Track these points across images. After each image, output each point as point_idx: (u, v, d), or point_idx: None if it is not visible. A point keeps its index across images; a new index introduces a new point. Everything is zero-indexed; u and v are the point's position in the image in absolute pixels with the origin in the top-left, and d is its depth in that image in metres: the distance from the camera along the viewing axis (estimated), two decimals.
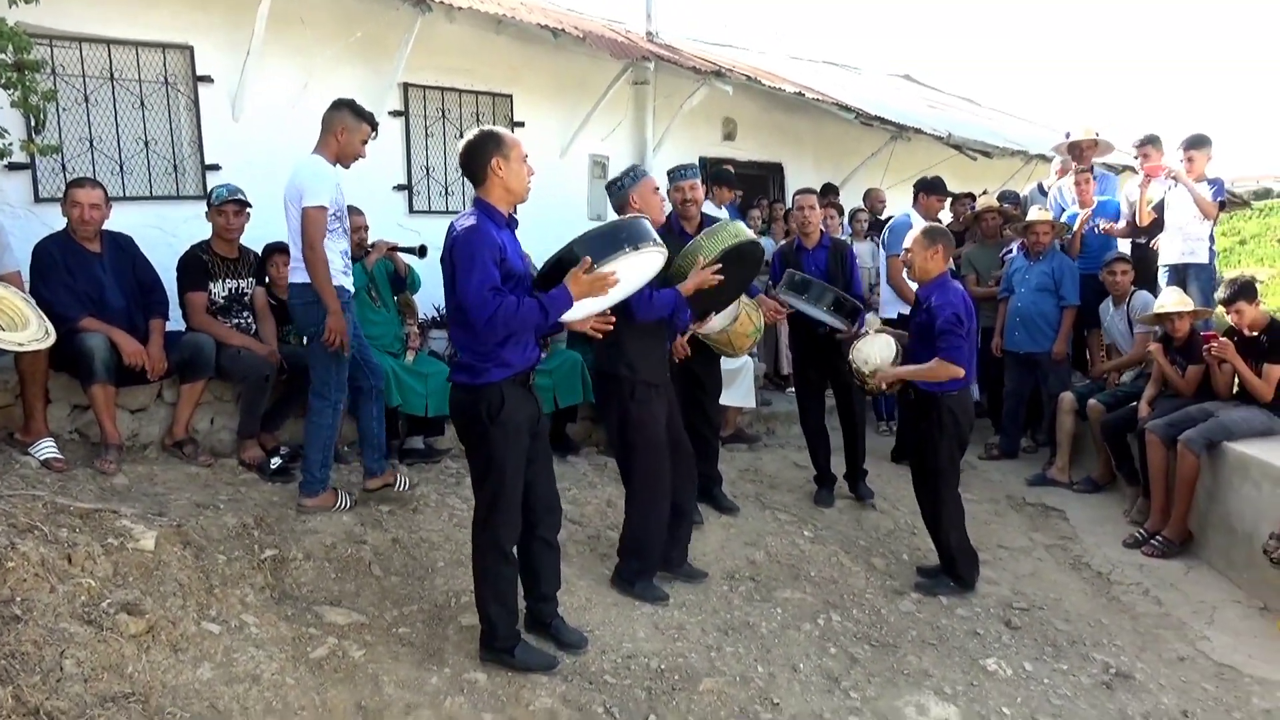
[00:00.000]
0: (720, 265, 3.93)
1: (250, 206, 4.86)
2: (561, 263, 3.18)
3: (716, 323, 4.64)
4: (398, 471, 4.66)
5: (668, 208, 4.54)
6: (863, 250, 7.24)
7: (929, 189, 6.39)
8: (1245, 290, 5.17)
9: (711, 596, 4.28)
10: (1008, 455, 6.71)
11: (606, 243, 3.18)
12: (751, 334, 4.83)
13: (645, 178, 4.20)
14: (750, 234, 4.24)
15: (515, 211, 3.36)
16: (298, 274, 4.14)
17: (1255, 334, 5.09)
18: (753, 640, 3.93)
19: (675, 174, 4.82)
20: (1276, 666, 4.08)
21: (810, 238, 5.54)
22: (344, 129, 4.13)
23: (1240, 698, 3.85)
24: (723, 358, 5.14)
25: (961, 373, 4.30)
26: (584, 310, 3.32)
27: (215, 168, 5.72)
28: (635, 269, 3.32)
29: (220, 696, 2.96)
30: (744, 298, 4.72)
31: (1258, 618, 4.54)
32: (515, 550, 3.43)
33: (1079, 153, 7.10)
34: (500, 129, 3.28)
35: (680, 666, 3.63)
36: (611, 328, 3.48)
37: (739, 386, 6.37)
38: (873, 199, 8.35)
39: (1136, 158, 6.56)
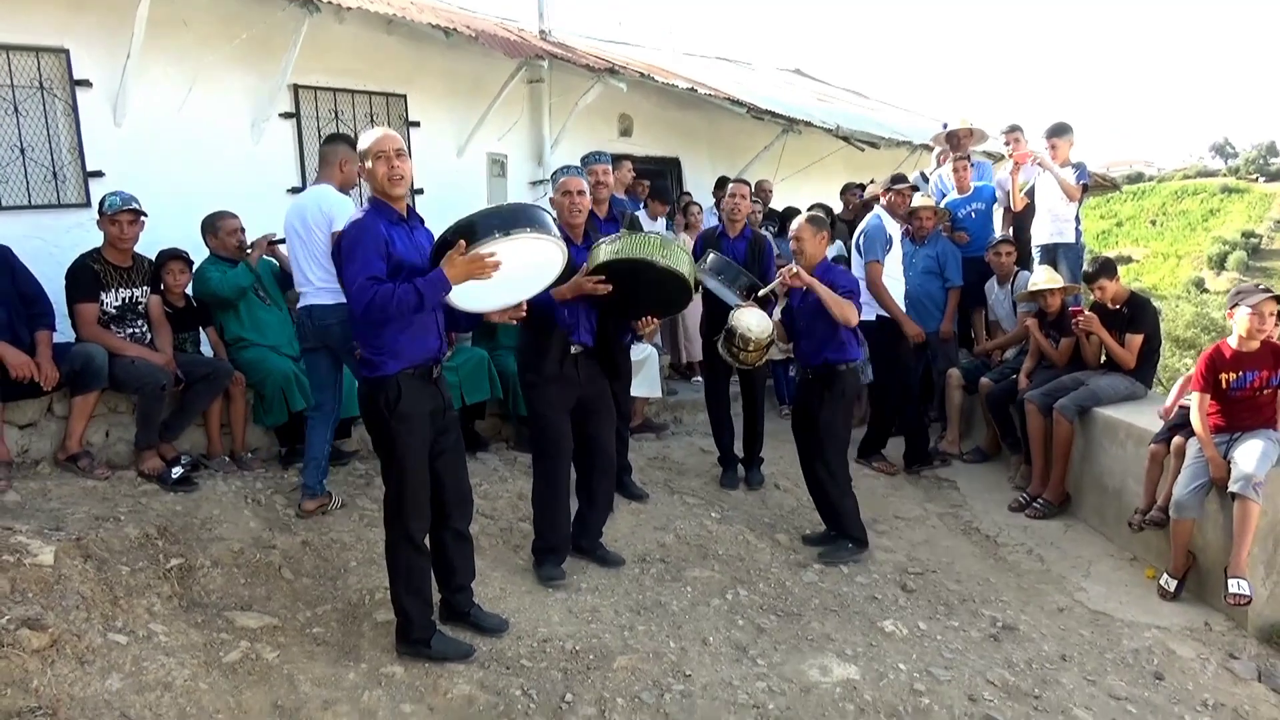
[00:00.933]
0: (607, 278, 3.96)
1: (145, 215, 4.75)
2: (444, 243, 3.23)
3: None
4: (332, 494, 4.68)
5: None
6: None
7: (895, 184, 6.51)
8: (1106, 267, 5.57)
9: (623, 579, 4.40)
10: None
11: (488, 223, 3.21)
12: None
13: (563, 178, 4.32)
14: (667, 261, 4.05)
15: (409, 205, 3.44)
16: (326, 295, 4.32)
17: (1117, 307, 5.48)
18: (664, 618, 4.06)
19: (588, 159, 5.06)
20: (1144, 610, 4.44)
21: (735, 225, 5.66)
22: (345, 160, 4.47)
23: (1112, 640, 4.18)
24: (632, 348, 5.25)
25: (856, 319, 4.64)
26: (489, 299, 3.40)
27: (99, 174, 5.56)
28: (521, 255, 3.28)
29: (131, 705, 2.94)
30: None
31: (1128, 568, 4.91)
32: (427, 542, 3.49)
33: (956, 142, 7.48)
34: (367, 132, 3.36)
35: (595, 647, 3.74)
36: (524, 315, 3.59)
37: (645, 377, 6.50)
38: (763, 191, 8.57)
39: (1006, 144, 6.92)
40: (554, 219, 3.54)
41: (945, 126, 7.65)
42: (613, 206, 5.41)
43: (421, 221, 3.49)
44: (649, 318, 4.47)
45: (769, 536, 5.09)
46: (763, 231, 6.49)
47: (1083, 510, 5.51)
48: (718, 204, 6.06)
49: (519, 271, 3.34)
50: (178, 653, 3.27)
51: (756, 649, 3.88)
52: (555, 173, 4.50)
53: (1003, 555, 5.14)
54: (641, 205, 7.73)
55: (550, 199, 4.41)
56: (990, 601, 4.52)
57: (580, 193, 4.29)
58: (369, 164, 3.27)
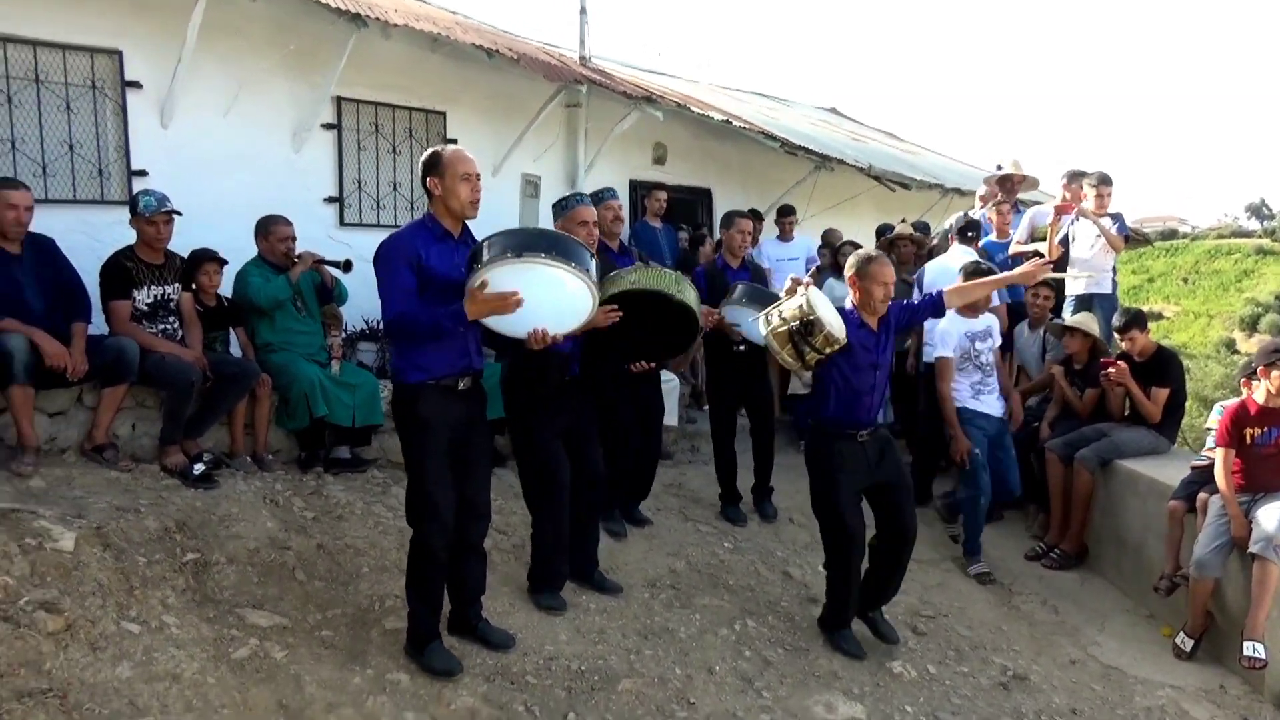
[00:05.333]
0: (619, 309, 3.89)
1: (179, 214, 4.84)
2: (473, 256, 3.26)
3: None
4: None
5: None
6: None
7: (967, 229, 6.72)
8: (1137, 319, 5.55)
9: (632, 603, 4.39)
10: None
11: (510, 244, 3.20)
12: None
13: (576, 207, 4.31)
14: (680, 297, 4.11)
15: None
16: None
17: (1144, 360, 5.45)
18: (671, 644, 4.05)
19: (604, 194, 5.00)
20: (1158, 669, 4.38)
21: (738, 259, 5.72)
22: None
23: (1125, 696, 4.12)
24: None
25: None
26: (521, 325, 3.33)
27: (142, 173, 5.67)
28: (544, 286, 3.23)
29: (140, 694, 2.96)
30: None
31: (1144, 625, 4.85)
32: (444, 552, 3.48)
33: (1009, 186, 7.47)
34: (447, 149, 3.43)
35: (600, 668, 3.73)
36: (554, 341, 3.46)
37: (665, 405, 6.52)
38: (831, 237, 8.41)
39: (1068, 193, 6.79)
40: (589, 251, 3.42)
41: (999, 168, 7.64)
42: (626, 240, 5.44)
43: (473, 239, 3.49)
44: (646, 364, 4.55)
45: (781, 570, 5.07)
46: (759, 261, 6.52)
47: (1100, 563, 5.44)
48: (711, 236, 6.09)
49: (546, 307, 3.30)
50: (188, 646, 3.29)
51: (762, 681, 3.86)
52: (566, 200, 4.40)
53: (1016, 604, 5.09)
54: (675, 231, 7.79)
55: (558, 225, 4.31)
56: (1002, 650, 4.48)
57: (595, 223, 4.33)
58: (452, 182, 3.33)
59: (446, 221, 3.42)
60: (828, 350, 3.93)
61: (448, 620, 3.70)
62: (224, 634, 3.45)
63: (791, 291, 4.07)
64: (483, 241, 3.27)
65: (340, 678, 3.36)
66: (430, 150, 3.44)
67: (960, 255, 6.46)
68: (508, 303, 3.16)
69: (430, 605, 3.52)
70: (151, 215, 4.69)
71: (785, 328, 3.95)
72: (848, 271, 4.22)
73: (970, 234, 6.73)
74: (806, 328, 3.88)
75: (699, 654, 4.00)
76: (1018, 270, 4.47)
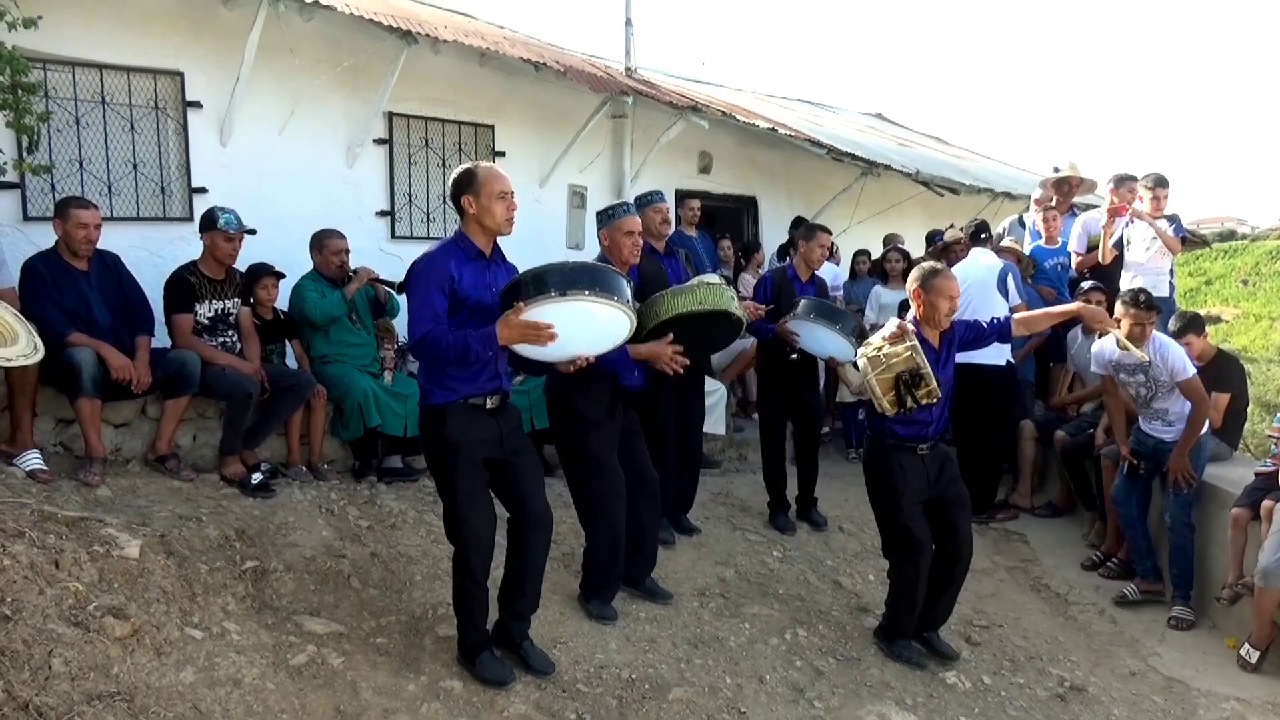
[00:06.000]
0: (675, 334, 4.02)
1: (253, 233, 5.01)
2: (515, 287, 3.17)
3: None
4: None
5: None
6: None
7: (979, 232, 6.63)
8: (1194, 323, 5.42)
9: (682, 612, 4.39)
10: None
11: (553, 281, 3.09)
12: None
13: (624, 217, 4.31)
14: (739, 313, 4.24)
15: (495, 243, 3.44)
16: None
17: (1203, 364, 5.32)
18: (721, 653, 4.05)
19: (654, 197, 5.06)
20: (1222, 680, 4.26)
21: (810, 271, 5.73)
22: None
23: (1188, 709, 4.02)
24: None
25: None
26: (551, 351, 3.26)
27: (203, 191, 5.83)
28: (582, 321, 3.19)
29: (203, 699, 3.04)
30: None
31: (1207, 635, 4.73)
32: (484, 571, 3.44)
33: (1067, 189, 7.32)
34: (480, 166, 3.37)
35: (651, 677, 3.74)
36: (587, 365, 3.45)
37: (711, 414, 6.52)
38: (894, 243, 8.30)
39: (1116, 195, 6.62)
40: (625, 278, 3.35)
41: (1056, 171, 7.49)
42: (672, 242, 5.48)
43: (503, 258, 3.49)
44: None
45: (831, 579, 5.04)
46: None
47: (1160, 572, 5.31)
48: (792, 244, 6.05)
49: (581, 336, 3.26)
50: (248, 651, 3.37)
51: (814, 691, 3.83)
52: (613, 209, 4.39)
53: (1073, 614, 4.99)
54: (713, 239, 7.80)
55: (603, 234, 4.33)
56: (1058, 660, 4.40)
57: (640, 232, 4.35)
58: (489, 201, 3.28)
59: (480, 240, 3.37)
60: (925, 402, 3.94)
61: (494, 631, 3.67)
62: (283, 640, 3.53)
63: (898, 337, 3.96)
64: (521, 277, 3.16)
65: (395, 684, 3.42)
66: (463, 167, 3.37)
67: (980, 258, 6.35)
68: (541, 334, 3.10)
69: (474, 621, 3.51)
70: (232, 232, 4.84)
71: (892, 374, 3.94)
72: (912, 284, 4.12)
73: (983, 235, 6.60)
74: (915, 379, 3.90)
75: (749, 663, 3.99)
76: (1085, 307, 4.46)
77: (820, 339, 5.26)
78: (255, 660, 3.34)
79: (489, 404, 3.39)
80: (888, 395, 3.95)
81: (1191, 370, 4.89)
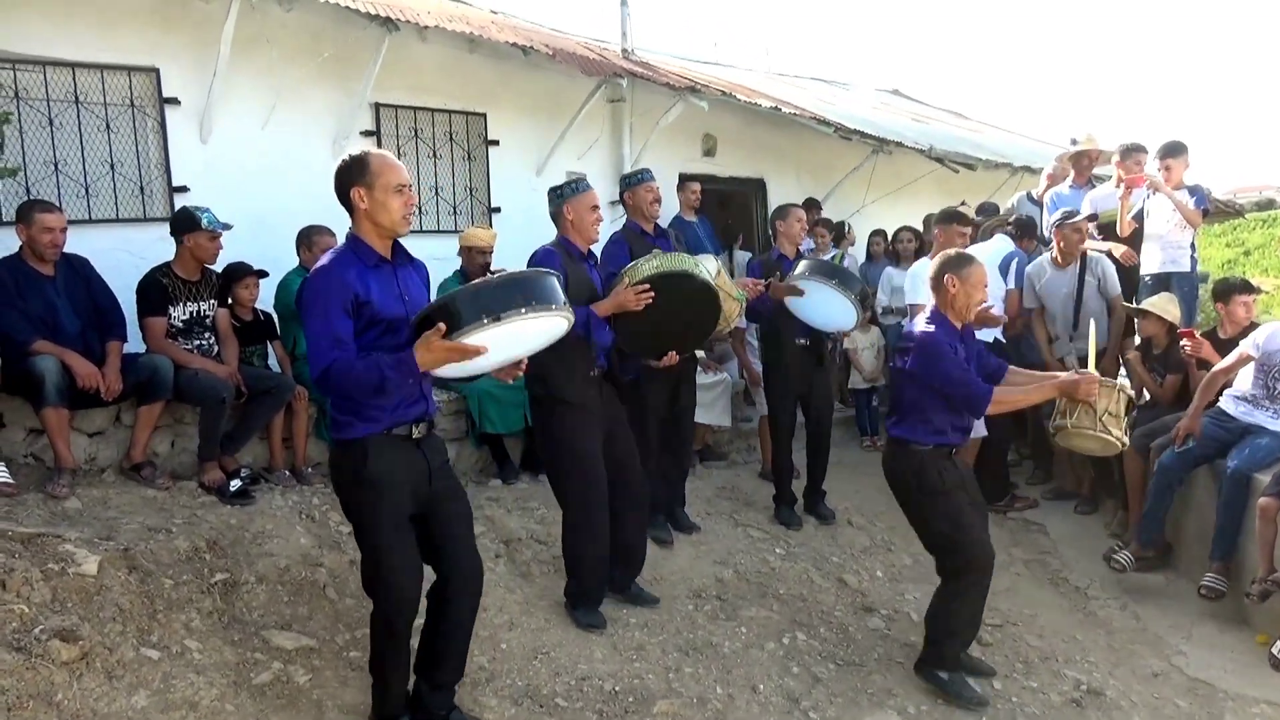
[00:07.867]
0: (650, 290, 3.88)
1: (229, 227, 4.86)
2: (424, 322, 2.71)
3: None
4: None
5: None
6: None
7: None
8: (1244, 286, 5.19)
9: (675, 616, 4.20)
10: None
11: (475, 306, 2.62)
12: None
13: (587, 191, 4.15)
14: (703, 275, 4.05)
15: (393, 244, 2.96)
16: None
17: (1230, 336, 5.02)
18: (713, 660, 3.85)
19: (642, 176, 4.89)
20: (1251, 682, 4.00)
21: (794, 247, 5.59)
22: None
23: (1214, 713, 3.77)
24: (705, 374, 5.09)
25: None
26: (479, 365, 2.80)
27: (184, 189, 5.69)
28: (514, 334, 2.72)
29: None
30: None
31: (1235, 632, 4.45)
32: (407, 629, 3.00)
33: (1085, 163, 7.01)
34: (373, 153, 2.89)
35: (636, 688, 3.56)
36: (521, 372, 3.06)
37: (714, 406, 6.31)
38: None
39: (1122, 167, 6.33)
40: (559, 278, 2.88)
41: (1074, 143, 7.19)
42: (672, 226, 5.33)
43: (408, 258, 3.02)
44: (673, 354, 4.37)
45: (835, 577, 4.82)
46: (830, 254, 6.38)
47: (1185, 564, 5.04)
48: (772, 232, 5.84)
49: (516, 347, 2.86)
50: (208, 671, 3.22)
51: (810, 700, 3.63)
52: (575, 184, 4.17)
53: (1093, 610, 4.74)
54: (713, 224, 7.59)
55: (567, 208, 4.09)
56: (1075, 661, 4.16)
57: (633, 213, 4.36)
58: (384, 195, 2.80)
59: (376, 242, 2.87)
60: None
61: (411, 700, 3.12)
62: (247, 657, 3.38)
63: (1106, 388, 3.74)
64: (446, 305, 2.66)
65: (364, 703, 3.25)
66: (350, 156, 2.87)
67: (998, 245, 6.14)
68: (469, 354, 2.64)
69: (392, 690, 3.05)
70: (216, 230, 4.70)
71: (1126, 416, 3.92)
72: (944, 269, 3.68)
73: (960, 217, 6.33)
74: (1131, 403, 3.99)
75: (743, 671, 3.80)
76: (1064, 384, 3.69)
77: (820, 306, 5.09)
78: (215, 680, 3.20)
79: (415, 433, 2.93)
80: (1128, 433, 3.95)
81: None
